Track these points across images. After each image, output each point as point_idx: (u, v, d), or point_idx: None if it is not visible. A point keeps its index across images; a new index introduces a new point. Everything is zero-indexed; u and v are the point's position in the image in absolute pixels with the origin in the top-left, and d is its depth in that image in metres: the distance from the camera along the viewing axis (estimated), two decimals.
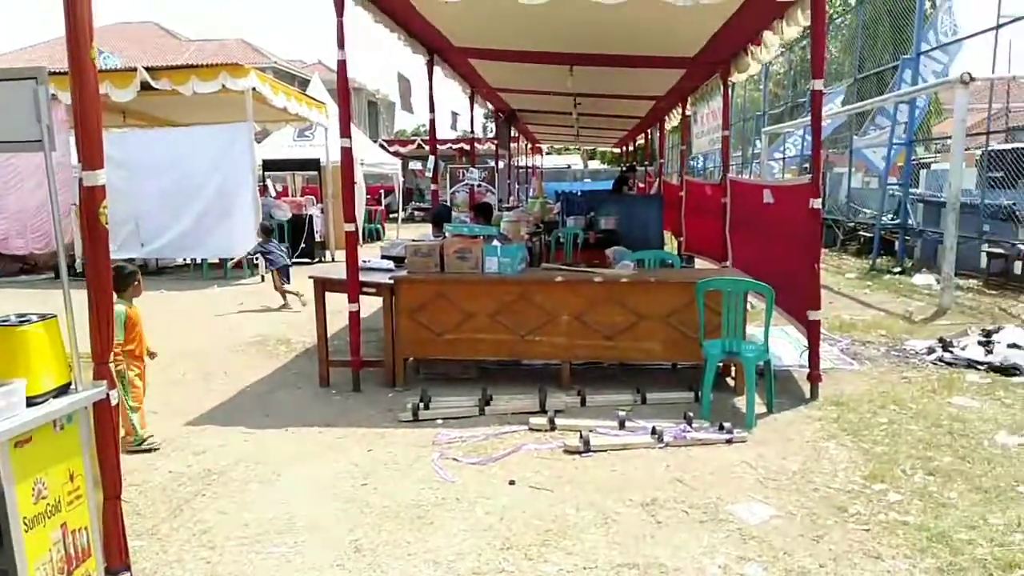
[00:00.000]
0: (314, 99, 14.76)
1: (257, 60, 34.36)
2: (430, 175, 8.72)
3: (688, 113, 11.00)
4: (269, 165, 15.86)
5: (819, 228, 5.08)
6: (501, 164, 16.91)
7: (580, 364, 5.83)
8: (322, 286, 5.68)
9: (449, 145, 26.27)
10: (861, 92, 14.80)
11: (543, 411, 4.83)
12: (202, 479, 3.94)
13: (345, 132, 5.35)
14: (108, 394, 2.56)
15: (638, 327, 5.29)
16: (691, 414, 4.55)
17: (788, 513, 3.43)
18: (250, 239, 11.81)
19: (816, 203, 4.99)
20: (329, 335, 5.84)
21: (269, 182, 15.13)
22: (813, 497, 3.60)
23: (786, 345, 6.38)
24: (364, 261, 6.08)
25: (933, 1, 15.83)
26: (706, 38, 7.01)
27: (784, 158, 18.96)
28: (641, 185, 17.77)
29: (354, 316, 5.46)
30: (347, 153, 5.41)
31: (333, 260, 14.76)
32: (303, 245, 14.18)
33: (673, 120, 12.80)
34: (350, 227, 5.43)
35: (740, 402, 5.09)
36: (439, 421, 4.77)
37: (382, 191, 24.13)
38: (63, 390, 2.44)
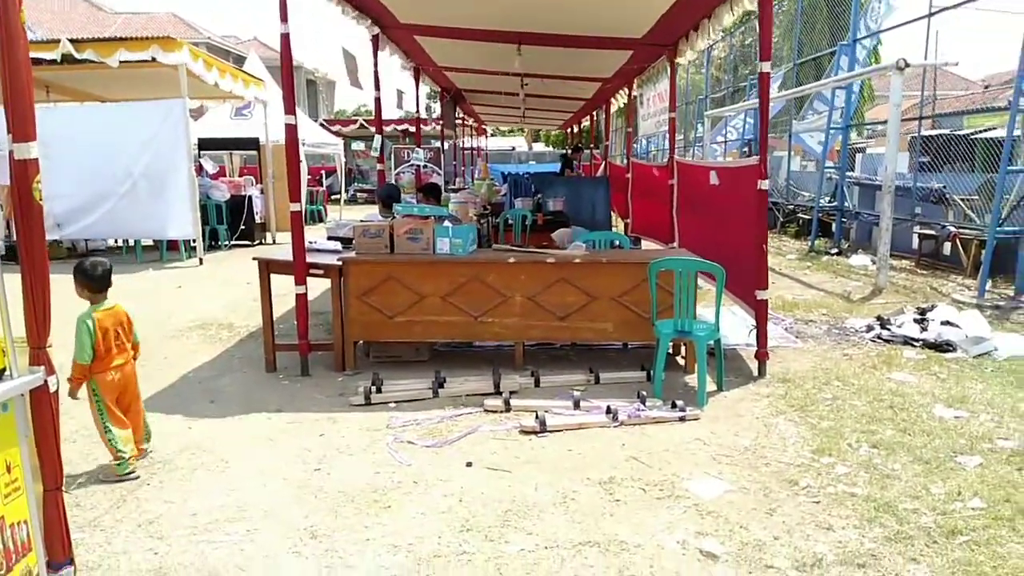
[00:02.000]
0: (252, 75, 14.28)
1: (189, 35, 33.10)
2: (376, 155, 8.54)
3: (635, 95, 11.06)
4: (205, 144, 15.28)
5: (765, 209, 5.18)
6: (447, 145, 16.72)
7: (533, 345, 5.83)
8: (267, 268, 5.50)
9: (394, 126, 25.88)
10: (800, 77, 15.14)
11: (498, 392, 4.81)
12: (145, 468, 3.78)
13: (289, 109, 5.17)
14: (46, 380, 2.42)
15: (590, 307, 5.31)
16: (644, 393, 4.59)
17: (742, 488, 3.49)
18: (186, 220, 11.44)
19: (763, 184, 5.07)
20: (274, 318, 5.68)
21: (205, 161, 14.57)
22: (765, 472, 3.68)
23: (734, 324, 6.50)
24: (310, 243, 5.94)
25: None
26: (654, 19, 7.02)
27: (726, 142, 19.32)
28: (587, 165, 17.86)
29: (301, 298, 5.31)
30: (292, 131, 5.23)
31: (274, 242, 14.41)
32: (242, 227, 13.77)
33: (619, 102, 12.86)
34: (296, 207, 5.27)
35: (691, 380, 5.17)
36: (392, 405, 4.70)
37: (323, 172, 23.64)
38: None
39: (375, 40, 7.86)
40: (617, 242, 6.61)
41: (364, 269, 5.35)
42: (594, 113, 15.93)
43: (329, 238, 6.29)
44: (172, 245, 12.14)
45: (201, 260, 11.51)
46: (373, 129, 8.46)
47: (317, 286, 6.45)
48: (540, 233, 9.37)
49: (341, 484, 3.57)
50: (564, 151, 20.51)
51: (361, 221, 5.75)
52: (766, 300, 5.24)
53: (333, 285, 5.43)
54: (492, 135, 38.12)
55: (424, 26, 7.78)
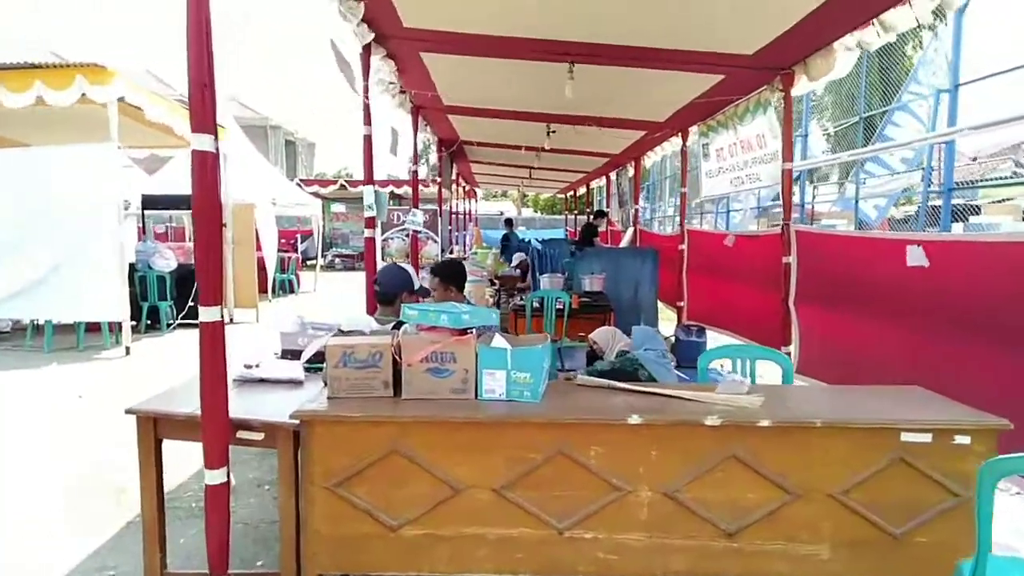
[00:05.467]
0: None
1: (162, 91, 30.97)
2: (370, 214, 5.93)
3: (688, 145, 8.73)
4: (155, 202, 12.65)
5: None
6: (444, 207, 14.32)
7: None
8: (154, 429, 2.86)
9: (391, 187, 22.58)
10: (840, 137, 13.32)
11: None
12: None
13: (202, 124, 2.64)
14: None
15: (787, 513, 2.72)
16: None
17: None
18: (110, 297, 8.79)
19: None
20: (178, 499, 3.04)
21: (149, 223, 11.99)
22: None
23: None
24: (247, 367, 3.33)
25: (918, 43, 14.61)
26: (787, 26, 4.68)
27: (746, 210, 17.09)
28: (603, 232, 15.52)
29: (218, 495, 2.67)
30: (203, 163, 2.69)
31: (231, 321, 11.68)
32: (191, 303, 11.08)
33: (658, 155, 10.58)
34: (211, 314, 2.66)
35: None
36: None
37: (298, 236, 21.22)
38: None
39: (366, 51, 5.44)
40: (779, 362, 4.01)
41: (342, 434, 2.74)
42: (616, 172, 13.71)
43: (284, 353, 3.67)
44: (93, 327, 9.43)
45: (128, 349, 8.82)
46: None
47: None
48: (576, 321, 7.16)
49: None
50: (587, 213, 18.24)
51: (340, 332, 3.13)
52: None
53: (283, 463, 2.80)
54: (481, 199, 36.10)
55: (435, 32, 5.38)
